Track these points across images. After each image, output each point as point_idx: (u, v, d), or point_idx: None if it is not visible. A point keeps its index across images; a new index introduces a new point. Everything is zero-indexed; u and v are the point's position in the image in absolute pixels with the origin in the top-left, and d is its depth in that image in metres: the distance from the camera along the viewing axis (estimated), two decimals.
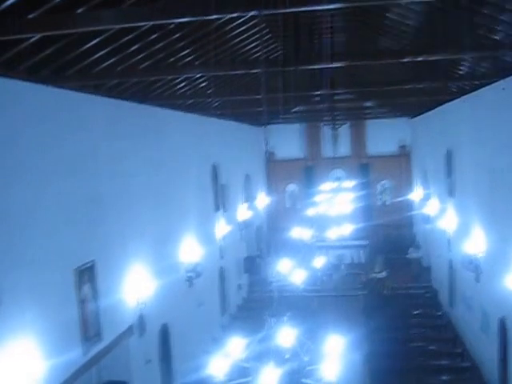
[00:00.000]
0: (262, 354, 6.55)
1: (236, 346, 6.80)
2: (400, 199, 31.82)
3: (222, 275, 21.16)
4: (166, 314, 14.40)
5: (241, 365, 6.67)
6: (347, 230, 20.61)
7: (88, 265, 10.51)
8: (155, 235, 14.27)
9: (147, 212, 13.82)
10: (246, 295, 25.28)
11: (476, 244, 15.69)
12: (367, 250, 29.07)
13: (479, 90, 15.39)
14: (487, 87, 14.57)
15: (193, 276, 16.38)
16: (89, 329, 10.39)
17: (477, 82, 14.82)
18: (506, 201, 13.58)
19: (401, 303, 22.09)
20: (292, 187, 33.98)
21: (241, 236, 24.88)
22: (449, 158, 20.72)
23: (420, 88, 17.35)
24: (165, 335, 14.53)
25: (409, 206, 31.31)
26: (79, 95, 10.62)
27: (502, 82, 13.13)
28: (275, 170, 33.34)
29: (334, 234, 21.15)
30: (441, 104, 20.95)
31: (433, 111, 23.34)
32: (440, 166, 22.12)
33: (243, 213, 25.50)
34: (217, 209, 20.97)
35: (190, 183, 17.82)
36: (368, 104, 27.94)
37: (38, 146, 9.18)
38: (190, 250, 16.63)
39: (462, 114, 18.07)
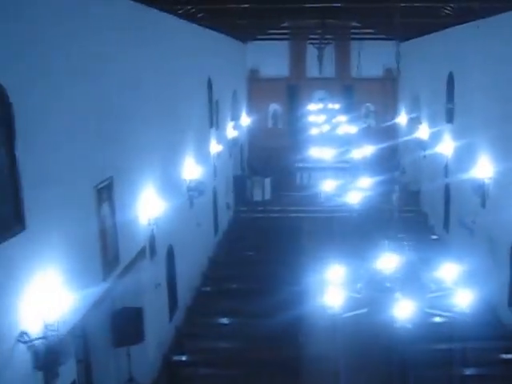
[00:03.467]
0: (375, 283, 5.80)
1: (336, 274, 6.03)
2: (385, 124, 31.16)
3: (215, 194, 20.33)
4: (172, 234, 13.58)
5: (352, 295, 5.94)
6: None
7: (106, 182, 9.49)
8: (162, 151, 13.28)
9: (156, 127, 12.76)
10: (232, 214, 24.60)
11: (483, 169, 15.26)
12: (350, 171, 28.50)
13: (494, 17, 14.67)
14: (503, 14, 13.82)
15: (195, 195, 15.54)
16: (108, 252, 9.47)
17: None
18: None
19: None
20: (274, 107, 32.86)
21: (229, 155, 24.00)
22: (450, 82, 19.99)
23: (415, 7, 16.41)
24: (171, 257, 13.73)
25: (394, 130, 30.70)
26: None
27: None
28: (258, 88, 32.07)
29: (324, 155, 20.41)
30: (437, 29, 20.22)
31: (433, 35, 22.40)
32: (438, 91, 21.41)
33: (231, 131, 24.55)
34: (211, 126, 19.92)
35: (190, 97, 16.71)
36: (355, 24, 27.06)
37: (63, 47, 8.00)
38: (190, 169, 15.74)
39: (470, 39, 17.30)
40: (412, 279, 6.06)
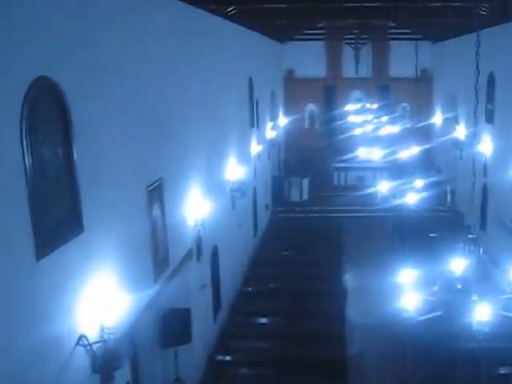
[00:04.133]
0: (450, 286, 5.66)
1: (408, 277, 5.91)
2: (420, 124, 30.79)
3: (255, 195, 20.25)
4: (216, 235, 13.53)
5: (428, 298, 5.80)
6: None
7: (157, 183, 9.45)
8: (207, 152, 13.23)
9: (201, 128, 12.70)
10: (271, 215, 24.51)
11: None
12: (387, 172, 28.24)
13: None
14: None
15: (238, 195, 15.49)
16: (159, 253, 9.43)
17: None
18: None
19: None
20: (311, 107, 32.67)
21: (268, 155, 23.91)
22: (491, 83, 19.66)
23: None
24: (215, 258, 13.68)
25: (429, 130, 30.35)
26: None
27: None
28: (294, 88, 31.92)
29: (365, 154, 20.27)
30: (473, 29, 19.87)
31: (471, 35, 22.02)
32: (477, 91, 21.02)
33: (269, 131, 24.47)
34: (252, 125, 19.85)
35: (232, 97, 16.64)
36: (392, 24, 26.80)
37: (115, 49, 7.97)
38: (233, 169, 15.68)
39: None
40: (485, 281, 5.91)
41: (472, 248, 6.06)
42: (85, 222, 6.64)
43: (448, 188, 22.04)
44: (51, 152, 6.04)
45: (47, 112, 6.02)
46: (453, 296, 5.60)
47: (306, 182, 26.28)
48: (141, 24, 9.10)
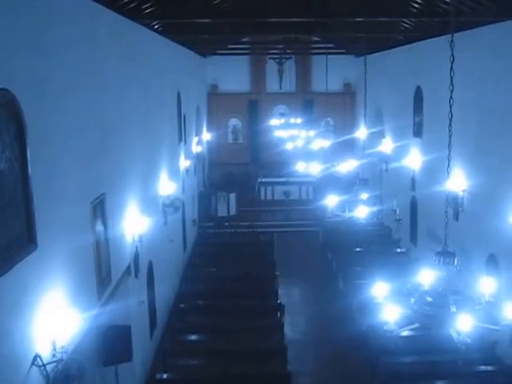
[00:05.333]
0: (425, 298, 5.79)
1: (381, 290, 6.03)
2: (345, 138, 31.41)
3: (184, 211, 20.14)
4: (151, 251, 13.36)
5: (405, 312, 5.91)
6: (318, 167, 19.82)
7: (100, 198, 9.30)
8: (143, 168, 13.12)
9: (138, 142, 12.61)
10: (199, 230, 24.41)
11: (456, 182, 15.46)
12: (313, 186, 28.68)
13: (461, 32, 15.07)
14: (469, 30, 14.48)
15: (171, 211, 15.38)
16: (102, 269, 9.26)
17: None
18: (496, 142, 13.58)
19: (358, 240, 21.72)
20: (235, 122, 32.83)
21: (195, 170, 23.86)
22: (418, 97, 20.31)
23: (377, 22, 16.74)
24: (150, 274, 13.52)
25: (353, 144, 31.02)
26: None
27: None
28: (218, 103, 32.02)
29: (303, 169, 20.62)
30: (399, 44, 20.75)
31: (398, 49, 22.73)
32: (404, 105, 21.71)
33: (195, 146, 24.45)
34: (180, 140, 19.78)
35: (164, 112, 16.57)
36: (315, 38, 27.38)
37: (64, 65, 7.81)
38: (165, 184, 15.59)
39: (439, 52, 17.53)
40: (458, 293, 6.13)
41: (447, 260, 6.22)
42: (38, 238, 6.48)
43: (377, 201, 22.59)
44: (7, 167, 5.86)
45: (3, 126, 5.84)
46: (430, 308, 5.76)
47: (233, 197, 26.35)
48: (86, 42, 8.97)
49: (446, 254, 6.25)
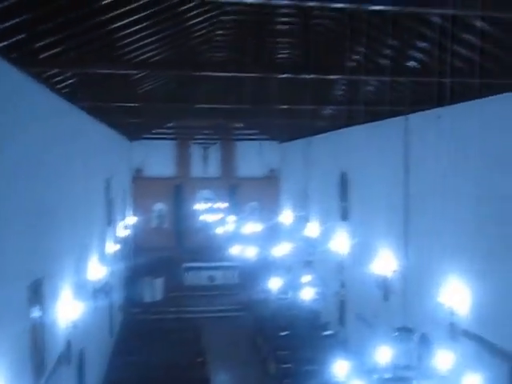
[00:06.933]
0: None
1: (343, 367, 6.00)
2: (269, 222, 31.65)
3: (110, 295, 19.60)
4: (82, 338, 12.91)
5: None
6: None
7: (38, 282, 9.00)
8: (77, 253, 12.82)
9: (71, 226, 12.34)
10: (125, 317, 23.70)
11: (385, 263, 15.72)
12: (238, 271, 28.63)
13: (380, 122, 16.01)
14: (387, 120, 15.21)
15: (102, 296, 14.97)
16: (37, 357, 8.86)
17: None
18: (422, 225, 13.86)
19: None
20: (160, 206, 32.66)
21: (121, 254, 23.42)
22: (343, 182, 20.87)
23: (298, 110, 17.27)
24: (81, 363, 12.98)
25: (279, 229, 31.27)
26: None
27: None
28: (143, 187, 31.76)
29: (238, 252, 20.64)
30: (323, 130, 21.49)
31: (323, 135, 23.39)
32: (330, 190, 22.23)
33: (123, 230, 24.13)
34: (108, 224, 19.49)
35: (95, 195, 16.35)
36: (238, 125, 28.01)
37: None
38: (95, 269, 15.22)
39: (363, 139, 18.26)
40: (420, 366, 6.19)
41: (406, 336, 6.29)
42: None
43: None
44: None
45: None
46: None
47: (159, 282, 25.95)
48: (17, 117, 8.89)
49: (404, 330, 6.31)
